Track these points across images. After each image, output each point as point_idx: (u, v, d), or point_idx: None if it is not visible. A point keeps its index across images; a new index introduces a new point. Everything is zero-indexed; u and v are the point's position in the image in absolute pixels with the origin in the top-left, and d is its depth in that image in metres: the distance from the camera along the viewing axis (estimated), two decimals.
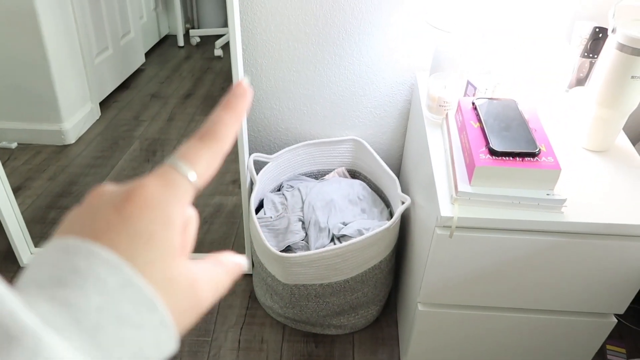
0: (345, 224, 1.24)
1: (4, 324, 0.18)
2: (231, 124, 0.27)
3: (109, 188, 0.25)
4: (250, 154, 1.32)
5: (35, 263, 0.23)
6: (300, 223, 1.26)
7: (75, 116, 2.03)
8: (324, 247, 1.19)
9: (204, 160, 0.26)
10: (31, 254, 1.50)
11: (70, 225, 0.24)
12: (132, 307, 0.21)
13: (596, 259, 0.91)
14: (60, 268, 0.21)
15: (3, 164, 1.35)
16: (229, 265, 0.29)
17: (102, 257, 0.21)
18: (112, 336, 0.20)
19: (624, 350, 1.30)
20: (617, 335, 1.34)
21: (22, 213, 1.45)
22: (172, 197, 0.24)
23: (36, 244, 1.51)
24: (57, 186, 1.78)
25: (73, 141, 2.01)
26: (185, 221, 0.26)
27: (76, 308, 0.20)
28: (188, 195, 0.25)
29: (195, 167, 0.25)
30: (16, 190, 1.70)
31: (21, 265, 1.48)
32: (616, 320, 1.03)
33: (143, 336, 0.21)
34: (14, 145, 1.95)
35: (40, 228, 1.60)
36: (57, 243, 0.23)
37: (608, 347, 1.31)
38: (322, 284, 1.17)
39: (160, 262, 0.23)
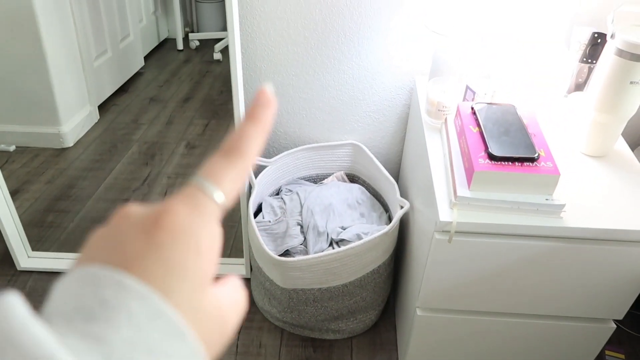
0: (343, 229, 1.23)
1: None
2: (256, 137, 0.26)
3: (135, 209, 0.24)
4: None
5: (60, 292, 0.21)
6: (299, 227, 1.26)
7: (74, 119, 2.03)
8: (322, 251, 1.18)
9: (229, 178, 0.25)
10: (28, 257, 1.49)
11: (96, 249, 0.23)
12: (163, 339, 0.20)
13: (595, 264, 0.91)
14: (89, 299, 0.20)
15: (1, 167, 1.34)
16: (241, 288, 0.28)
17: (133, 289, 0.21)
18: None
19: (623, 356, 1.30)
20: (616, 341, 1.33)
21: (20, 216, 1.44)
22: (200, 222, 0.23)
23: (33, 247, 1.51)
24: (55, 189, 1.77)
25: (71, 144, 2.01)
26: (213, 243, 0.25)
27: (107, 343, 0.19)
28: (215, 217, 0.24)
29: (222, 186, 0.24)
30: (14, 194, 1.70)
31: (18, 268, 1.47)
32: (615, 326, 1.03)
33: None
34: (12, 148, 1.94)
35: (38, 231, 1.59)
36: (83, 271, 0.21)
37: (607, 352, 1.30)
38: (320, 289, 1.16)
39: (191, 293, 0.22)
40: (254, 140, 0.26)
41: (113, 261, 0.21)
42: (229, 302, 0.25)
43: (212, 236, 0.24)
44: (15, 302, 0.19)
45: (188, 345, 0.21)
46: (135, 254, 0.22)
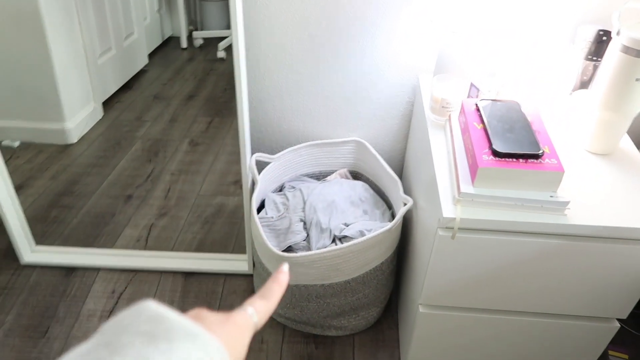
0: (346, 225, 1.23)
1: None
2: (278, 292, 0.42)
3: (207, 311, 0.37)
4: (252, 154, 1.32)
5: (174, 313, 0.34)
6: (302, 223, 1.26)
7: (78, 116, 2.03)
8: (325, 247, 1.18)
9: (263, 310, 0.40)
10: (32, 251, 1.50)
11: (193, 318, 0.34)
12: None
13: (599, 262, 0.91)
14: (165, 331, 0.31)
15: (5, 163, 1.35)
16: (275, 292, 0.42)
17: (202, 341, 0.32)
18: None
19: (626, 357, 1.30)
20: (619, 341, 1.33)
21: (24, 211, 1.45)
22: (248, 328, 0.38)
23: (37, 242, 1.51)
24: (59, 185, 1.78)
25: (75, 140, 2.02)
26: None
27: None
28: (252, 328, 0.38)
29: (258, 313, 0.39)
30: (18, 189, 1.70)
31: (22, 262, 1.48)
32: (619, 325, 1.02)
33: None
34: (16, 143, 1.95)
35: (42, 226, 1.60)
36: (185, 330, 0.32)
37: (610, 352, 1.30)
38: (323, 285, 1.16)
39: (237, 356, 0.36)
40: (276, 294, 0.42)
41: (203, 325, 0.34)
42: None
43: (248, 336, 0.38)
44: (149, 301, 0.32)
45: None
46: (213, 329, 0.34)
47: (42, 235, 1.56)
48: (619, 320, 1.02)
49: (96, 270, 1.48)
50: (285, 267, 0.44)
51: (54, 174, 1.83)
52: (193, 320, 0.34)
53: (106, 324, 0.31)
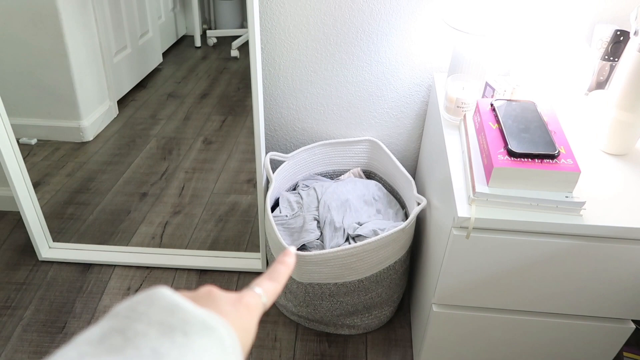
0: (360, 224, 1.24)
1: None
2: (285, 273, 0.42)
3: (217, 289, 0.36)
4: (266, 153, 1.33)
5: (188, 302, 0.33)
6: (316, 222, 1.26)
7: (94, 114, 2.06)
8: (338, 246, 1.19)
9: (270, 290, 0.40)
10: (49, 247, 1.52)
11: (200, 300, 0.34)
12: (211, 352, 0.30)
13: (614, 263, 0.90)
14: (175, 321, 0.31)
15: (23, 160, 1.37)
16: (282, 273, 0.42)
17: (212, 327, 0.31)
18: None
19: None
20: (634, 342, 1.32)
21: (41, 208, 1.47)
22: (257, 308, 0.38)
23: (54, 239, 1.54)
24: (75, 182, 1.80)
25: (91, 138, 2.04)
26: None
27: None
28: (260, 308, 0.38)
29: (266, 292, 0.39)
30: (35, 186, 1.73)
31: (39, 258, 1.50)
32: (634, 327, 1.02)
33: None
34: (33, 141, 1.98)
35: (59, 223, 1.62)
36: (192, 315, 0.31)
37: (625, 354, 1.29)
38: (336, 283, 1.17)
39: (246, 339, 0.35)
40: (283, 275, 0.41)
41: (213, 309, 0.34)
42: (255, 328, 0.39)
43: (257, 317, 0.38)
44: (164, 289, 0.32)
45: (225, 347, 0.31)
46: (226, 312, 0.34)
47: (58, 231, 1.59)
48: (634, 321, 1.02)
49: (112, 267, 1.50)
50: (291, 249, 0.44)
51: (70, 171, 1.86)
52: (206, 300, 0.34)
53: (120, 307, 0.30)
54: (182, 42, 2.94)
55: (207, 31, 2.93)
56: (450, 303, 1.03)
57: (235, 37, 2.82)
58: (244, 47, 2.61)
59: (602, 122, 1.02)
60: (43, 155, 1.92)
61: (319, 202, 1.31)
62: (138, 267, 1.49)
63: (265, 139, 1.47)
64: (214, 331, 0.30)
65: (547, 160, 0.86)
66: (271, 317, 1.37)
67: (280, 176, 1.35)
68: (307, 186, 1.40)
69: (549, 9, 1.18)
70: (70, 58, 1.86)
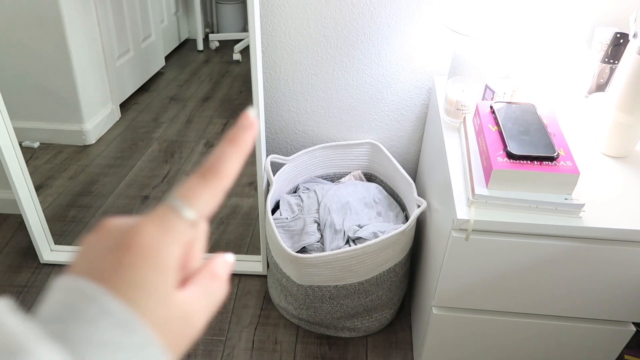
0: (360, 227, 1.24)
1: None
2: (234, 159, 0.28)
3: (116, 223, 0.26)
4: (267, 156, 1.33)
5: (49, 297, 0.25)
6: (316, 225, 1.27)
7: (96, 117, 2.07)
8: (339, 249, 1.19)
9: (204, 199, 0.27)
10: (51, 250, 1.53)
11: (80, 260, 0.26)
12: (116, 335, 0.23)
13: (614, 265, 0.90)
14: (62, 306, 0.24)
15: (26, 163, 1.38)
16: (220, 274, 0.30)
17: (103, 303, 0.24)
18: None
19: None
20: (635, 345, 1.31)
21: (44, 211, 1.48)
22: (168, 240, 0.26)
23: (56, 241, 1.54)
24: (77, 185, 1.81)
25: (93, 141, 2.05)
26: (187, 248, 0.27)
27: (68, 340, 0.22)
28: (185, 234, 0.26)
29: (195, 205, 0.26)
30: (38, 189, 1.73)
31: (41, 261, 1.51)
32: (635, 329, 1.01)
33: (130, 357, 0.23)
34: (36, 144, 1.99)
35: (60, 226, 1.62)
36: (66, 281, 0.25)
37: (626, 356, 1.28)
38: (336, 286, 1.17)
39: (156, 305, 0.25)
40: (231, 162, 0.28)
41: (90, 274, 0.25)
42: (200, 303, 0.27)
43: (180, 249, 0.26)
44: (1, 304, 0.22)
45: (139, 337, 0.23)
46: (107, 270, 0.25)
47: (60, 234, 1.59)
48: (635, 323, 1.02)
49: None
50: (251, 112, 0.30)
51: (72, 174, 1.87)
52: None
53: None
54: (185, 45, 2.95)
55: (210, 35, 2.94)
56: (450, 305, 1.03)
57: (238, 41, 2.83)
58: (246, 51, 2.61)
59: (601, 125, 1.02)
60: (45, 159, 1.93)
61: (319, 204, 1.31)
62: None
63: (266, 141, 1.47)
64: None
65: (547, 163, 0.86)
66: (272, 320, 1.37)
67: (280, 179, 1.35)
68: (307, 189, 1.40)
69: (549, 11, 1.18)
70: (73, 61, 1.87)
